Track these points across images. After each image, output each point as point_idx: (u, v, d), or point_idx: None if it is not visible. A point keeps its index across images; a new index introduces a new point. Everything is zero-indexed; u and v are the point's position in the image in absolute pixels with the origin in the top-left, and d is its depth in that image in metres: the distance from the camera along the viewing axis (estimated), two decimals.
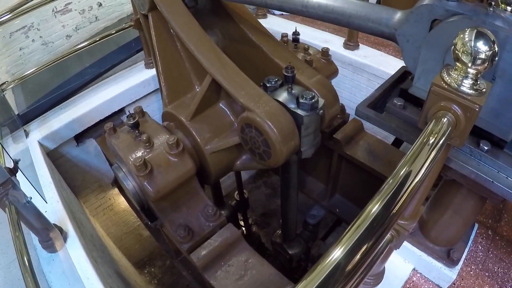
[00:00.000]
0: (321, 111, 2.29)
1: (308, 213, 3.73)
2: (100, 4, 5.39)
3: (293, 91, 2.31)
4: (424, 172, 0.99)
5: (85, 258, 2.68)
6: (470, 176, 1.54)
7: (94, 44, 3.93)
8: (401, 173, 1.01)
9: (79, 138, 4.02)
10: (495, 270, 2.15)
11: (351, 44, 4.75)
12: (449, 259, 2.11)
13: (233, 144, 2.49)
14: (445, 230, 2.05)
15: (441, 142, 1.05)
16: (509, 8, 1.37)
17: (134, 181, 2.36)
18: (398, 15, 1.63)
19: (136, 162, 2.18)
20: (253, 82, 2.39)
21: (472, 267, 2.17)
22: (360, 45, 4.83)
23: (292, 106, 2.25)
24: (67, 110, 3.90)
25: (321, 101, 2.28)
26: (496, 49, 1.05)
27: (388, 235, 1.56)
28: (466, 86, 1.09)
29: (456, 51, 1.07)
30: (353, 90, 4.82)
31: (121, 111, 4.17)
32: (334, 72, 3.34)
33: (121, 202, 4.77)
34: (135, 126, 2.42)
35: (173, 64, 2.77)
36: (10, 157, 2.66)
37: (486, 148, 1.51)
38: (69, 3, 5.04)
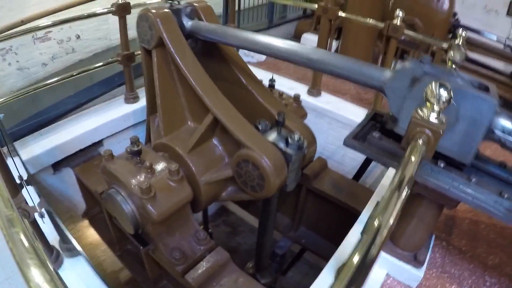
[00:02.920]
0: (305, 150, 2.76)
1: (276, 244, 4.01)
2: (78, 37, 5.58)
3: (282, 133, 2.79)
4: (409, 178, 1.35)
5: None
6: (432, 186, 1.99)
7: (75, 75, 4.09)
8: (398, 177, 1.34)
9: (56, 166, 4.11)
10: (452, 272, 2.64)
11: (314, 91, 5.21)
12: (416, 261, 2.50)
13: (225, 177, 2.83)
14: (412, 237, 2.42)
15: (419, 154, 1.51)
16: (454, 66, 2.07)
17: (134, 205, 2.58)
18: (387, 73, 2.10)
19: (142, 186, 2.41)
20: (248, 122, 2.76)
21: (434, 270, 2.62)
22: (322, 92, 5.28)
23: (281, 145, 2.74)
24: (48, 137, 4.00)
25: (305, 142, 2.77)
26: (451, 95, 1.52)
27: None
28: (433, 118, 1.57)
29: (427, 96, 1.55)
30: (315, 133, 5.23)
31: (99, 142, 4.31)
32: (304, 115, 3.86)
33: (90, 235, 4.80)
34: (138, 153, 2.67)
35: (171, 99, 3.07)
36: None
37: (442, 165, 2.02)
38: (50, 32, 5.20)
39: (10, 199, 1.18)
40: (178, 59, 2.91)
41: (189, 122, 3.14)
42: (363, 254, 1.08)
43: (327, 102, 5.17)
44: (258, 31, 6.73)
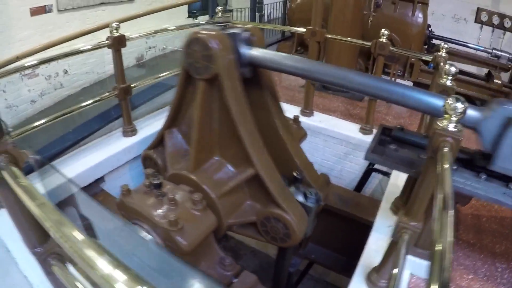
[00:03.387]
0: (322, 202, 3.12)
1: None
2: (66, 72, 5.53)
3: (300, 188, 3.10)
4: (450, 194, 1.44)
5: None
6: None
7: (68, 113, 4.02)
8: (442, 196, 1.44)
9: (59, 206, 4.01)
10: (467, 264, 2.85)
11: (307, 111, 5.29)
12: None
13: (249, 222, 3.05)
14: (430, 236, 2.54)
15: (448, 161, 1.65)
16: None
17: (160, 238, 2.55)
18: (480, 114, 2.16)
19: (169, 218, 2.42)
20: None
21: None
22: (314, 112, 5.39)
23: (300, 199, 3.04)
24: (48, 177, 3.92)
25: (321, 195, 3.10)
26: None
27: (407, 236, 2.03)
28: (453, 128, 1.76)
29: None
30: (311, 151, 5.30)
31: (101, 178, 4.24)
32: (304, 135, 3.97)
33: None
34: (159, 186, 2.67)
35: (206, 133, 3.00)
36: None
37: (455, 167, 2.25)
38: (37, 67, 5.14)
39: None
40: (229, 101, 2.75)
41: (216, 157, 3.11)
42: (439, 283, 1.15)
43: (320, 121, 5.28)
44: None
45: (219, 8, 5.38)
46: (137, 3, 6.28)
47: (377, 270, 2.44)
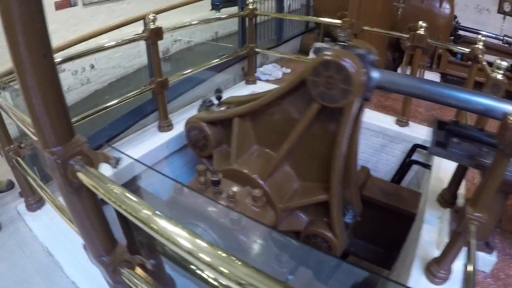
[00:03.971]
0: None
1: None
2: (92, 66, 5.37)
3: None
4: None
5: None
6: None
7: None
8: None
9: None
10: None
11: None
12: (488, 248, 2.66)
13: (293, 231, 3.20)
14: (483, 226, 2.45)
15: None
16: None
17: (217, 236, 2.49)
18: None
19: (232, 217, 2.36)
20: None
21: (498, 254, 2.79)
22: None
23: None
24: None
25: (358, 211, 3.26)
26: None
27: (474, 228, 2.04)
28: None
29: None
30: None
31: (137, 176, 4.09)
32: None
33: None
34: (218, 183, 2.65)
35: (295, 148, 3.07)
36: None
37: None
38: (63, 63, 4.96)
39: None
40: (343, 130, 2.72)
41: (286, 167, 3.24)
42: None
43: None
44: (269, 48, 6.72)
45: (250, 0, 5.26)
46: None
47: (437, 261, 2.43)
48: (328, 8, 7.33)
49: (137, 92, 3.95)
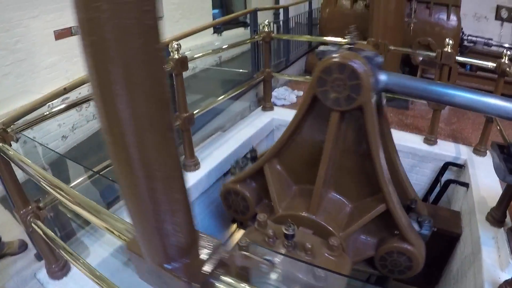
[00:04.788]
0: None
1: None
2: None
3: (412, 217, 2.98)
4: None
5: None
6: None
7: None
8: None
9: None
10: None
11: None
12: None
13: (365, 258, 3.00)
14: None
15: None
16: None
17: None
18: None
19: (318, 273, 2.21)
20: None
21: None
22: None
23: (417, 229, 2.90)
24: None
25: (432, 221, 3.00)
26: None
27: None
28: None
29: None
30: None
31: None
32: None
33: None
34: (293, 237, 2.44)
35: (330, 168, 2.86)
36: None
37: None
38: (66, 98, 4.47)
39: None
40: (370, 135, 2.59)
41: (333, 194, 3.04)
42: None
43: None
44: (279, 71, 6.39)
45: (266, 22, 4.92)
46: (165, 21, 5.72)
47: (510, 283, 2.31)
48: (334, 26, 7.11)
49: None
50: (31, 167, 1.96)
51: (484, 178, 3.88)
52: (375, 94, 2.56)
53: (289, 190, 3.13)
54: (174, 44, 3.40)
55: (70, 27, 4.61)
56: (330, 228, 2.72)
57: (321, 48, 2.69)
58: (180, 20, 6.06)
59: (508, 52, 4.27)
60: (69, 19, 4.49)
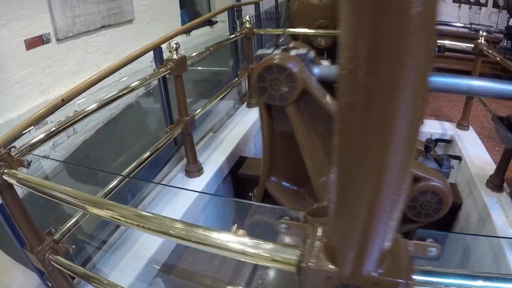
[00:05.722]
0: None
1: None
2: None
3: (429, 157, 3.06)
4: None
5: None
6: None
7: None
8: None
9: None
10: None
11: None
12: None
13: None
14: None
15: None
16: None
17: None
18: None
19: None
20: None
21: None
22: None
23: (434, 166, 2.97)
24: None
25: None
26: None
27: None
28: None
29: None
30: None
31: None
32: None
33: None
34: None
35: (317, 157, 2.87)
36: None
37: None
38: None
39: None
40: (323, 106, 2.66)
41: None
42: None
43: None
44: None
45: (246, 17, 4.78)
46: (136, 24, 5.42)
47: None
48: (305, 19, 7.02)
49: (161, 142, 3.25)
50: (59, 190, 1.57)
51: (473, 150, 4.17)
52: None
53: (298, 196, 3.10)
54: (173, 44, 3.20)
55: (41, 35, 4.25)
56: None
57: (259, 52, 2.89)
58: (150, 22, 5.79)
59: (484, 33, 4.58)
60: (39, 25, 4.15)
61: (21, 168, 1.95)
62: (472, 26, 9.35)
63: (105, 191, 2.65)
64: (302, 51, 2.78)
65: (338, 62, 0.59)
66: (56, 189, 1.58)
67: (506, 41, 8.98)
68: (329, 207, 0.79)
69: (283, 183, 3.15)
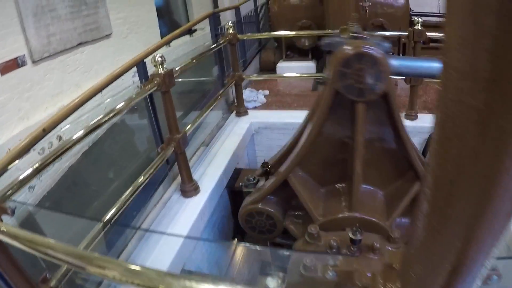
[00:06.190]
0: None
1: None
2: (60, 138, 4.29)
3: None
4: None
5: None
6: None
7: None
8: None
9: None
10: None
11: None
12: None
13: None
14: None
15: None
16: None
17: None
18: None
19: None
20: None
21: None
22: None
23: None
24: None
25: None
26: None
27: None
28: None
29: None
30: None
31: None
32: None
33: None
34: (360, 241, 2.34)
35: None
36: None
37: None
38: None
39: None
40: (397, 120, 2.58)
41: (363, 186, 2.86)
42: None
43: None
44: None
45: (229, 23, 4.62)
46: (114, 38, 5.21)
47: None
48: (286, 20, 6.94)
49: (154, 164, 3.05)
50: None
51: None
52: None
53: (319, 195, 2.91)
54: (158, 57, 3.01)
55: (16, 58, 4.00)
56: (376, 220, 2.63)
57: (327, 40, 2.59)
58: (128, 35, 5.57)
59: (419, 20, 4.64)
60: (12, 48, 3.89)
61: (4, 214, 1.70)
62: None
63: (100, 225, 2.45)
64: (378, 39, 2.51)
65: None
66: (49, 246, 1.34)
67: None
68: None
69: (308, 177, 2.98)
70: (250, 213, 3.02)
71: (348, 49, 2.35)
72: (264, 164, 3.21)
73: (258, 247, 3.53)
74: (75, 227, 2.77)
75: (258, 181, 3.25)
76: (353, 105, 2.50)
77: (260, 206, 2.98)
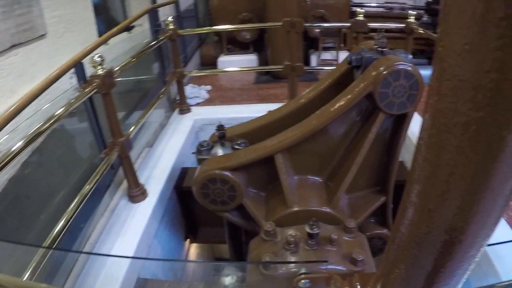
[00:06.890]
0: None
1: None
2: None
3: None
4: None
5: None
6: None
7: None
8: None
9: None
10: None
11: None
12: None
13: None
14: None
15: None
16: None
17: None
18: None
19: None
20: None
21: None
22: None
23: None
24: None
25: None
26: None
27: None
28: None
29: None
30: None
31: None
32: None
33: None
34: (317, 235, 2.37)
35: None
36: None
37: None
38: None
39: None
40: (402, 136, 2.73)
41: None
42: None
43: None
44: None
45: (170, 18, 4.50)
46: (49, 38, 4.90)
47: None
48: (226, 14, 6.85)
49: (99, 171, 2.89)
50: None
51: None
52: None
53: (292, 182, 2.87)
54: (96, 57, 2.86)
55: None
56: (342, 220, 2.69)
57: (354, 55, 2.66)
58: (64, 34, 5.24)
59: (414, 12, 4.95)
60: None
61: None
62: (387, 4, 9.74)
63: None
64: (402, 52, 2.65)
65: None
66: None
67: (427, 16, 9.36)
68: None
69: (290, 161, 2.93)
70: (213, 178, 2.79)
71: (399, 64, 2.44)
72: (220, 127, 3.10)
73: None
74: (18, 251, 2.57)
75: (212, 147, 3.12)
76: (372, 111, 2.65)
77: (227, 174, 2.77)
